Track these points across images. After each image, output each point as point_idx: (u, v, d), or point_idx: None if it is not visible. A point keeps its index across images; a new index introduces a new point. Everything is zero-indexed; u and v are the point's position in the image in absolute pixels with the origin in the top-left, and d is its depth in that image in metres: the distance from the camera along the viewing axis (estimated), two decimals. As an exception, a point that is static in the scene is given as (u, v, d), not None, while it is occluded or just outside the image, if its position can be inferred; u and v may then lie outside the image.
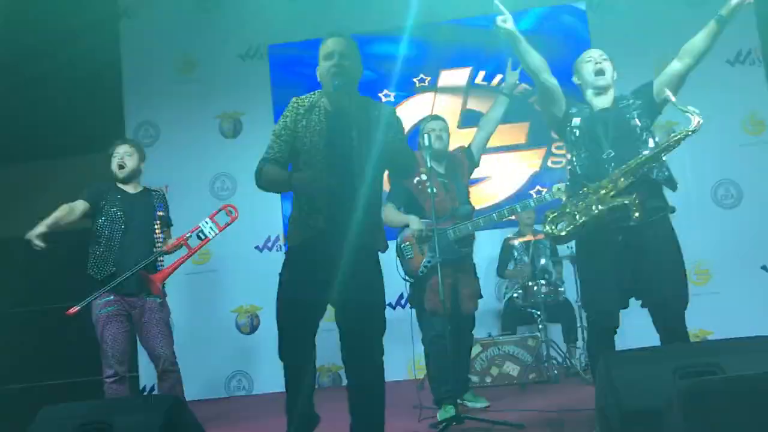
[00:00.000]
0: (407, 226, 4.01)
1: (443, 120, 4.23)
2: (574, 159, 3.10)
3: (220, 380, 6.10)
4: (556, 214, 3.00)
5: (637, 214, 2.84)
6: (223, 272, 6.27)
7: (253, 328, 6.19)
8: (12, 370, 6.16)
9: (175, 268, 3.91)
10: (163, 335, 3.95)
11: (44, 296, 6.20)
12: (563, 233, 2.94)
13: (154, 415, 2.39)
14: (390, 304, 5.99)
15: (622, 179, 2.90)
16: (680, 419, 1.83)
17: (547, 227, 2.99)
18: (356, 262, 2.70)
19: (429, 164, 3.59)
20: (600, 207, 2.89)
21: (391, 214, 4.00)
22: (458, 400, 3.87)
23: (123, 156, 4.04)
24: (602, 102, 3.14)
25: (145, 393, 6.08)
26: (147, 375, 6.03)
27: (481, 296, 4.17)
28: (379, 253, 2.84)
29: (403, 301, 5.99)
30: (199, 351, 5.80)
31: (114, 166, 4.05)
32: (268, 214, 6.24)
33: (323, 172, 2.67)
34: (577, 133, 3.11)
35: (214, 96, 6.40)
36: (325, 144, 2.72)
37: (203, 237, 3.94)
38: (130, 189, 4.07)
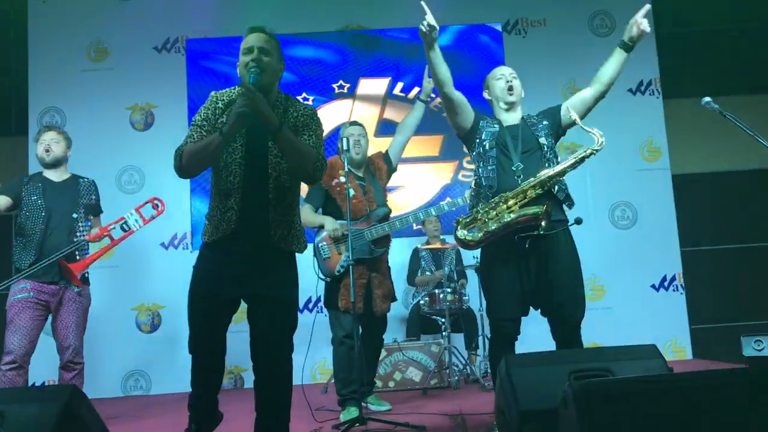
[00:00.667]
0: (323, 226, 4.05)
1: (362, 126, 4.31)
2: (480, 170, 3.18)
3: (117, 379, 5.91)
4: (468, 220, 3.10)
5: (544, 223, 2.97)
6: (125, 268, 6.08)
7: (154, 327, 6.03)
8: None
9: (95, 259, 3.90)
10: (77, 326, 3.94)
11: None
12: (474, 239, 3.04)
13: (51, 405, 2.31)
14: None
15: (530, 190, 3.04)
16: (574, 418, 1.95)
17: (459, 232, 3.08)
18: (270, 260, 2.73)
19: (347, 167, 3.66)
20: (511, 215, 3.01)
21: (306, 215, 4.03)
22: (362, 403, 3.88)
23: (49, 142, 4.03)
24: (511, 118, 3.26)
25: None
26: (37, 371, 5.76)
27: (395, 298, 4.25)
28: (297, 254, 2.86)
29: (310, 305, 6.00)
30: (97, 348, 5.60)
31: (40, 152, 4.02)
32: (176, 211, 6.11)
33: (238, 171, 2.69)
34: (486, 146, 3.19)
35: (126, 87, 6.23)
36: (242, 142, 2.71)
37: (127, 229, 3.96)
38: (55, 177, 4.05)
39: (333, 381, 4.22)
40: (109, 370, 5.86)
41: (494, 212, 3.06)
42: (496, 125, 3.25)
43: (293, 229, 2.81)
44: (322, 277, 4.03)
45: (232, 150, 2.71)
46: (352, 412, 3.79)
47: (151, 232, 6.06)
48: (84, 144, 6.11)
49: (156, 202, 4.04)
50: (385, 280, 4.17)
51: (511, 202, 3.04)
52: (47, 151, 4.01)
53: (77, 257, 3.93)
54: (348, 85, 6.35)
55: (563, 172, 3.08)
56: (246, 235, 2.69)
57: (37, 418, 2.24)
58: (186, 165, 2.69)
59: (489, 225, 3.04)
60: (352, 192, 3.86)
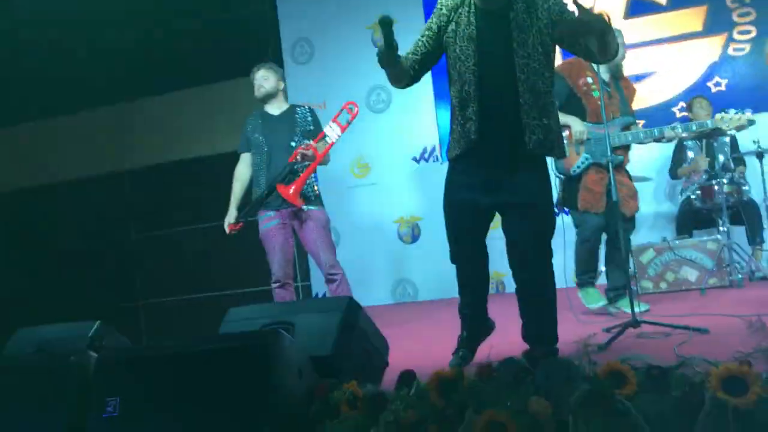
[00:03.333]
0: (568, 126, 3.91)
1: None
2: None
3: (387, 288, 6.28)
4: None
5: None
6: (382, 184, 6.36)
7: (415, 238, 6.28)
8: (198, 280, 6.69)
9: (305, 179, 4.03)
10: (323, 241, 4.15)
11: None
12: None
13: (332, 315, 2.48)
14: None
15: None
16: None
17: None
18: (522, 166, 2.62)
19: (597, 68, 3.42)
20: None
21: None
22: (614, 307, 3.95)
23: (260, 80, 4.24)
24: None
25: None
26: (319, 283, 6.34)
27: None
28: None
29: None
30: (364, 261, 6.00)
31: (255, 91, 4.27)
32: (423, 125, 6.22)
33: (473, 78, 2.54)
34: None
35: (364, 5, 6.32)
36: (474, 49, 2.55)
37: (328, 141, 4.06)
38: (273, 110, 4.26)
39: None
40: (379, 280, 6.24)
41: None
42: None
43: (551, 132, 2.64)
44: (558, 174, 3.99)
45: (464, 58, 2.57)
46: (592, 294, 3.98)
47: (403, 147, 6.26)
48: (333, 69, 6.44)
49: (350, 106, 4.10)
50: (628, 181, 4.00)
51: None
52: (260, 88, 4.22)
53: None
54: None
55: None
56: (492, 143, 2.58)
57: (322, 327, 2.42)
58: (391, 79, 2.65)
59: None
60: (597, 93, 3.73)
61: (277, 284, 4.14)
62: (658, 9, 5.63)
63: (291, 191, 3.99)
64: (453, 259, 2.79)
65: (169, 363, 2.14)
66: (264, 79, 4.24)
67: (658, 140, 4.03)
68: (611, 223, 3.84)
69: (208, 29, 6.59)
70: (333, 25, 6.46)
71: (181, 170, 6.77)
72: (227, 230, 4.20)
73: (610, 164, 3.35)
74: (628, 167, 4.08)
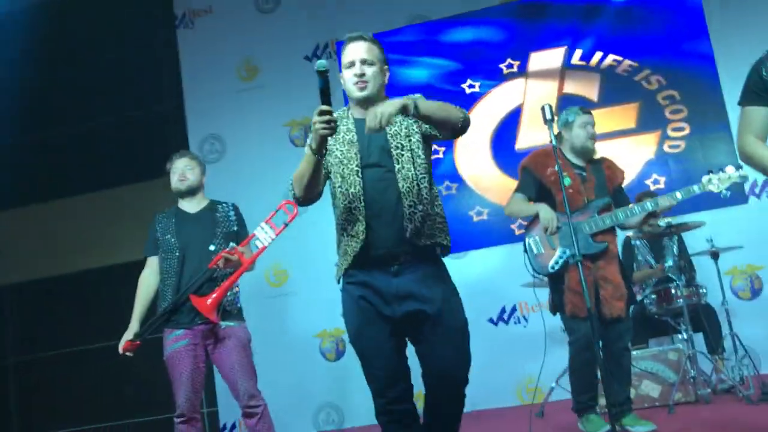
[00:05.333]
0: (537, 216, 3.54)
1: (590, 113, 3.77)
2: None
3: (307, 414, 5.49)
4: None
5: None
6: (301, 294, 5.68)
7: (339, 354, 5.57)
8: (90, 408, 5.75)
9: (227, 289, 3.33)
10: (242, 366, 3.42)
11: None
12: None
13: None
14: (491, 320, 5.33)
15: None
16: None
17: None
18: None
19: (567, 155, 3.09)
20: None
21: (518, 204, 3.69)
22: (617, 425, 3.36)
23: (183, 169, 3.60)
24: None
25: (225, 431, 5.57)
26: (228, 411, 5.49)
27: (634, 300, 3.70)
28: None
29: (505, 316, 5.30)
30: (279, 383, 5.21)
31: (174, 181, 3.61)
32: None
33: (354, 179, 2.47)
34: None
35: (281, 102, 5.88)
36: (357, 150, 2.50)
37: (259, 245, 3.37)
38: (191, 207, 3.62)
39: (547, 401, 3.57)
40: (298, 405, 5.45)
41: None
42: None
43: (439, 227, 2.52)
44: (535, 274, 3.63)
45: (347, 160, 2.50)
46: (595, 422, 3.48)
47: (322, 254, 5.64)
48: (247, 167, 5.87)
49: (288, 206, 3.37)
50: (613, 277, 3.51)
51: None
52: (182, 179, 3.59)
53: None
54: (517, 63, 5.59)
55: None
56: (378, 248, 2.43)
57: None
58: (298, 191, 2.49)
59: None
60: (568, 181, 3.41)
61: (181, 419, 3.37)
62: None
63: (208, 303, 3.26)
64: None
65: None
66: (188, 168, 3.59)
67: (643, 221, 3.64)
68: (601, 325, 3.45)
69: (106, 131, 6.02)
70: (245, 121, 5.95)
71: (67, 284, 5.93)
72: (121, 349, 3.41)
73: (578, 261, 2.94)
74: None
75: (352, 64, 2.48)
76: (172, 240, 3.48)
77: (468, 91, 5.60)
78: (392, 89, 5.58)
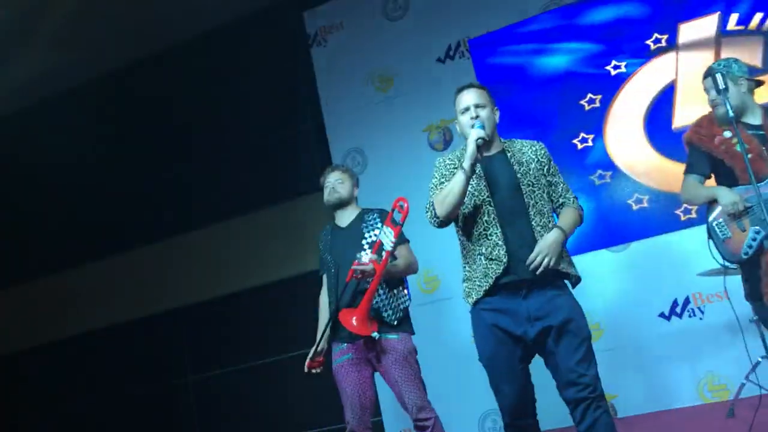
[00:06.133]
0: (715, 201, 3.15)
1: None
2: None
3: (473, 421, 5.37)
4: None
5: None
6: (455, 299, 5.55)
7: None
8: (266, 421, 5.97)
9: (369, 300, 3.29)
10: (406, 379, 3.36)
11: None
12: None
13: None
14: (663, 315, 4.95)
15: None
16: None
17: None
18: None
19: (731, 113, 2.67)
20: None
21: (693, 189, 3.28)
22: None
23: (334, 184, 3.67)
24: None
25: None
26: (394, 422, 5.49)
27: None
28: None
29: (678, 309, 4.90)
30: (444, 390, 5.13)
31: (325, 195, 3.68)
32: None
33: (488, 208, 2.80)
34: None
35: (417, 108, 5.83)
36: (486, 184, 2.82)
37: (386, 249, 3.30)
38: (343, 221, 3.66)
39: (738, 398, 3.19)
40: (462, 413, 5.34)
41: None
42: None
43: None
44: (725, 263, 3.16)
45: (477, 199, 2.82)
46: None
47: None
48: (388, 175, 5.86)
49: (400, 203, 3.36)
50: None
51: None
52: (332, 193, 3.65)
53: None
54: (665, 37, 5.17)
55: None
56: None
57: None
58: (440, 213, 2.83)
59: None
60: (745, 146, 2.93)
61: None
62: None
63: (354, 319, 3.25)
64: None
65: None
66: (339, 182, 3.66)
67: None
68: None
69: (253, 154, 6.27)
70: (384, 131, 5.95)
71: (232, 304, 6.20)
72: (306, 368, 3.49)
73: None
74: None
75: (467, 110, 2.87)
76: (328, 257, 3.53)
77: (613, 72, 5.26)
78: (530, 81, 5.36)
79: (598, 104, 5.24)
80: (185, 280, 6.45)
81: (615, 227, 5.06)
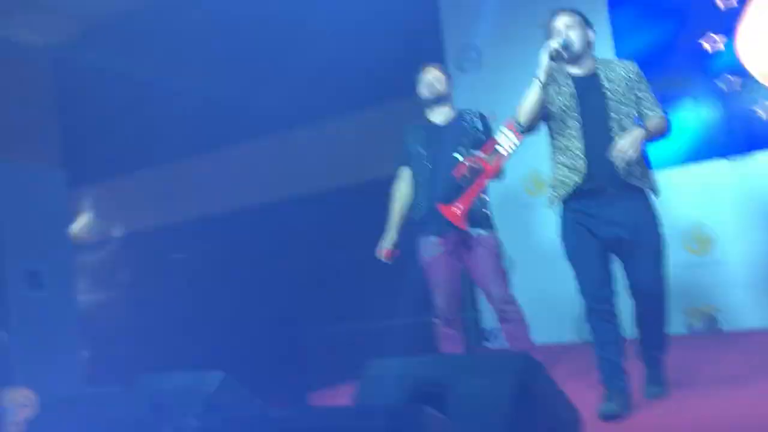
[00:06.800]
0: None
1: None
2: None
3: (570, 322, 5.44)
4: None
5: None
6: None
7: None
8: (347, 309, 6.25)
9: (473, 197, 3.41)
10: (494, 272, 3.54)
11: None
12: None
13: (502, 378, 1.83)
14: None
15: None
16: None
17: None
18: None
19: None
20: None
21: None
22: None
23: (432, 80, 3.70)
24: None
25: (486, 333, 5.76)
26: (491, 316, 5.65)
27: None
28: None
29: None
30: (545, 292, 5.22)
31: (422, 92, 3.73)
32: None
33: (574, 123, 3.01)
34: None
35: (539, 5, 5.60)
36: (577, 102, 3.02)
37: (501, 153, 3.37)
38: (438, 118, 3.72)
39: None
40: (562, 314, 5.41)
41: None
42: None
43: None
44: None
45: (567, 114, 3.02)
46: None
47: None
48: (502, 74, 5.76)
49: None
50: None
51: None
52: (430, 87, 3.69)
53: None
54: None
55: None
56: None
57: (487, 396, 1.78)
58: (520, 119, 3.06)
59: None
60: None
61: (441, 322, 3.63)
62: None
63: (456, 212, 3.39)
64: None
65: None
66: (437, 80, 3.71)
67: None
68: None
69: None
70: (502, 27, 5.79)
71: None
72: (383, 257, 3.68)
73: None
74: None
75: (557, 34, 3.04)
76: (422, 151, 3.60)
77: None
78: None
79: (735, 4, 4.87)
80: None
81: (737, 136, 4.81)
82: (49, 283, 2.82)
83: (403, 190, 3.75)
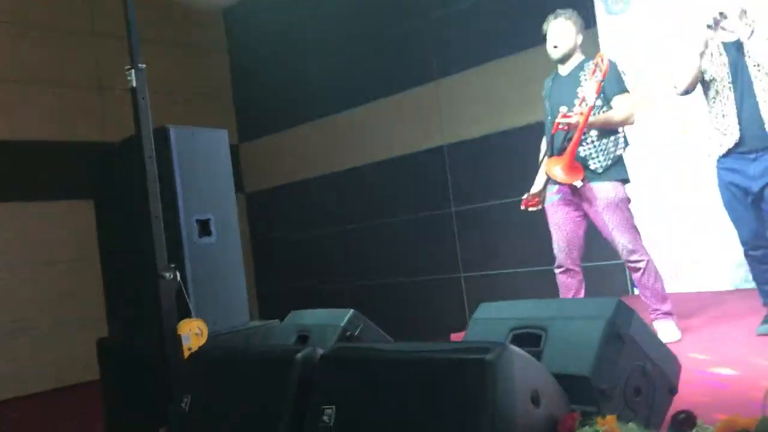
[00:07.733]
0: None
1: None
2: None
3: (725, 269, 5.22)
4: None
5: None
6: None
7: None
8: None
9: (573, 151, 3.39)
10: (615, 222, 3.48)
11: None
12: None
13: (595, 322, 1.97)
14: None
15: None
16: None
17: None
18: None
19: None
20: None
21: None
22: None
23: (554, 38, 3.62)
24: None
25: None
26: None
27: None
28: None
29: None
30: (700, 239, 5.05)
31: (548, 48, 3.67)
32: None
33: (729, 93, 3.24)
34: None
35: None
36: (728, 71, 3.23)
37: (588, 104, 3.35)
38: (564, 69, 3.68)
39: None
40: (715, 260, 5.21)
41: None
42: None
43: None
44: None
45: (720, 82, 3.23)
46: None
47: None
48: (651, 19, 5.50)
49: (599, 58, 3.39)
50: None
51: None
52: (552, 48, 3.63)
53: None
54: None
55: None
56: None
57: (582, 338, 1.93)
58: (675, 83, 3.38)
59: None
60: None
61: (560, 269, 3.68)
62: None
63: (557, 167, 3.44)
64: None
65: (386, 369, 1.89)
66: (559, 34, 3.60)
67: None
68: None
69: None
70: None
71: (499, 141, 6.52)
72: (522, 206, 3.80)
73: None
74: None
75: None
76: (547, 104, 3.66)
77: None
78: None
79: None
80: (458, 117, 6.85)
81: None
82: (217, 230, 3.26)
83: (544, 142, 3.83)
